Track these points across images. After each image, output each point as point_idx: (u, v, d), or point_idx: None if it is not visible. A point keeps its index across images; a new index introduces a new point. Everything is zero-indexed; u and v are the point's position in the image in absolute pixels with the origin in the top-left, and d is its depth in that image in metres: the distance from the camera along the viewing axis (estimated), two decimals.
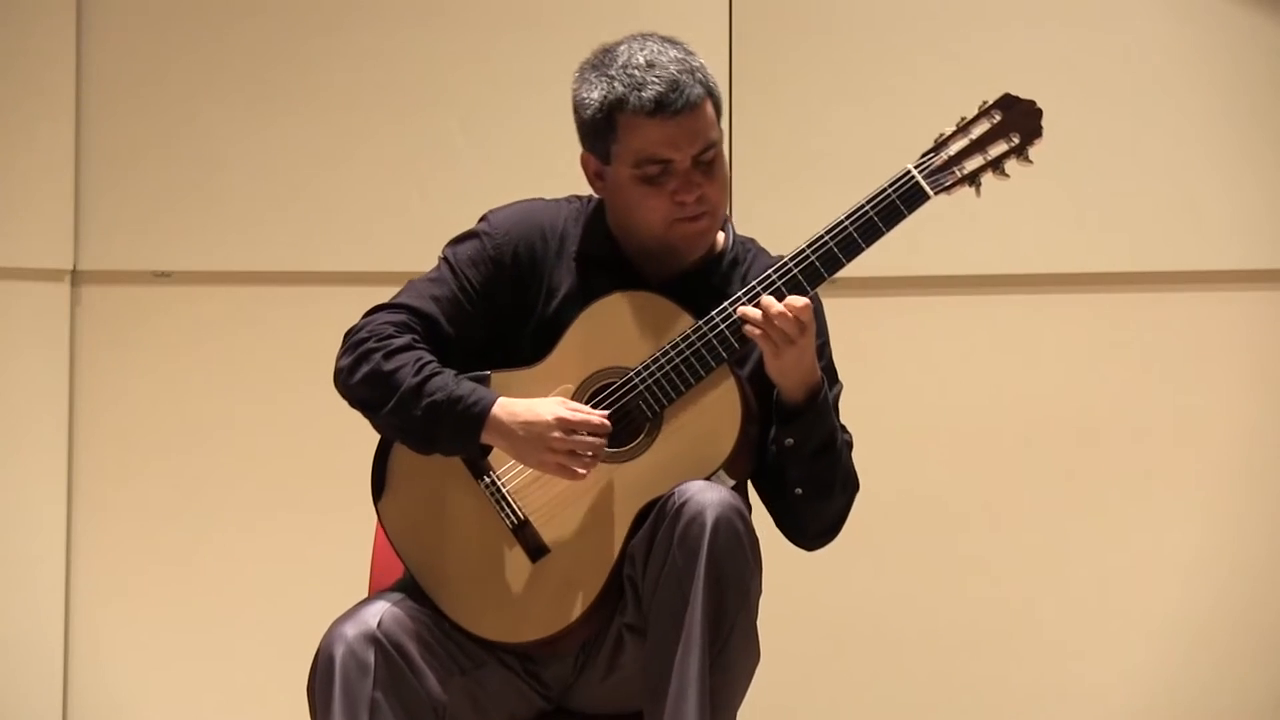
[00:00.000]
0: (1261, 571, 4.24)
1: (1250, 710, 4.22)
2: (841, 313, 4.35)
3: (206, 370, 4.51)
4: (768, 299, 2.79)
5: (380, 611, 2.83)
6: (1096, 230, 4.28)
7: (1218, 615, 4.24)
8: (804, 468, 2.85)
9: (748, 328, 2.79)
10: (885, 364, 4.31)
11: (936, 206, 4.29)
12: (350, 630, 2.80)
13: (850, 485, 2.93)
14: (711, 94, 2.88)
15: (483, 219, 2.99)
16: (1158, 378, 4.27)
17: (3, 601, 4.48)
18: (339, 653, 2.78)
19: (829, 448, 2.86)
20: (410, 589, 2.91)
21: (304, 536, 4.43)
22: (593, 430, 2.80)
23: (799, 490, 2.86)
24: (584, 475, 2.81)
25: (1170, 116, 4.26)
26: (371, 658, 2.78)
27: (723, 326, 2.81)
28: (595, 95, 2.87)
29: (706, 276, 2.94)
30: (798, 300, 2.79)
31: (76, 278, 4.55)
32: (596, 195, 2.97)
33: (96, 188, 4.54)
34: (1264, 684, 4.22)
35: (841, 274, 4.29)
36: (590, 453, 2.80)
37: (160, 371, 4.53)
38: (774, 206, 4.29)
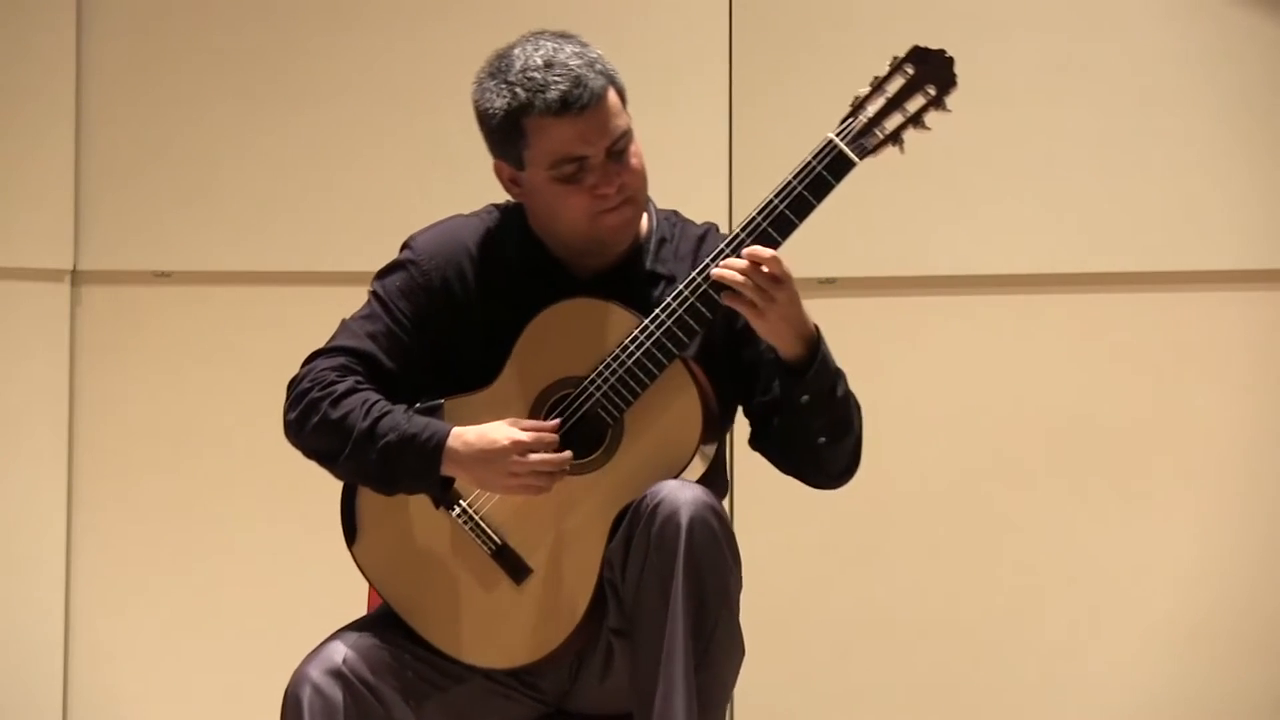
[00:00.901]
0: (1261, 571, 4.24)
1: (1250, 710, 4.22)
2: (842, 313, 4.37)
3: (206, 370, 4.51)
4: (733, 261, 2.76)
5: (344, 647, 2.83)
6: (1096, 230, 4.28)
7: (1217, 615, 4.24)
8: (824, 416, 2.83)
9: (725, 294, 2.76)
10: (885, 364, 4.31)
11: (938, 207, 4.31)
12: (314, 671, 2.80)
13: (859, 412, 2.90)
14: (614, 82, 2.85)
15: (405, 246, 2.96)
16: (1158, 378, 4.27)
17: (3, 601, 4.48)
18: (305, 695, 2.78)
19: (837, 387, 2.84)
20: (382, 617, 2.90)
21: (304, 537, 4.42)
22: (548, 447, 2.78)
23: (822, 439, 2.84)
24: (549, 490, 2.79)
25: (1170, 116, 4.26)
26: (339, 695, 2.78)
27: (669, 324, 2.78)
28: (499, 104, 2.84)
29: (639, 263, 2.92)
30: (764, 252, 2.76)
31: (76, 278, 4.55)
32: (514, 200, 2.95)
33: (96, 188, 4.55)
34: (1263, 683, 4.22)
35: (841, 273, 4.33)
36: (550, 469, 2.78)
37: (160, 371, 4.53)
38: None
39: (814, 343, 2.81)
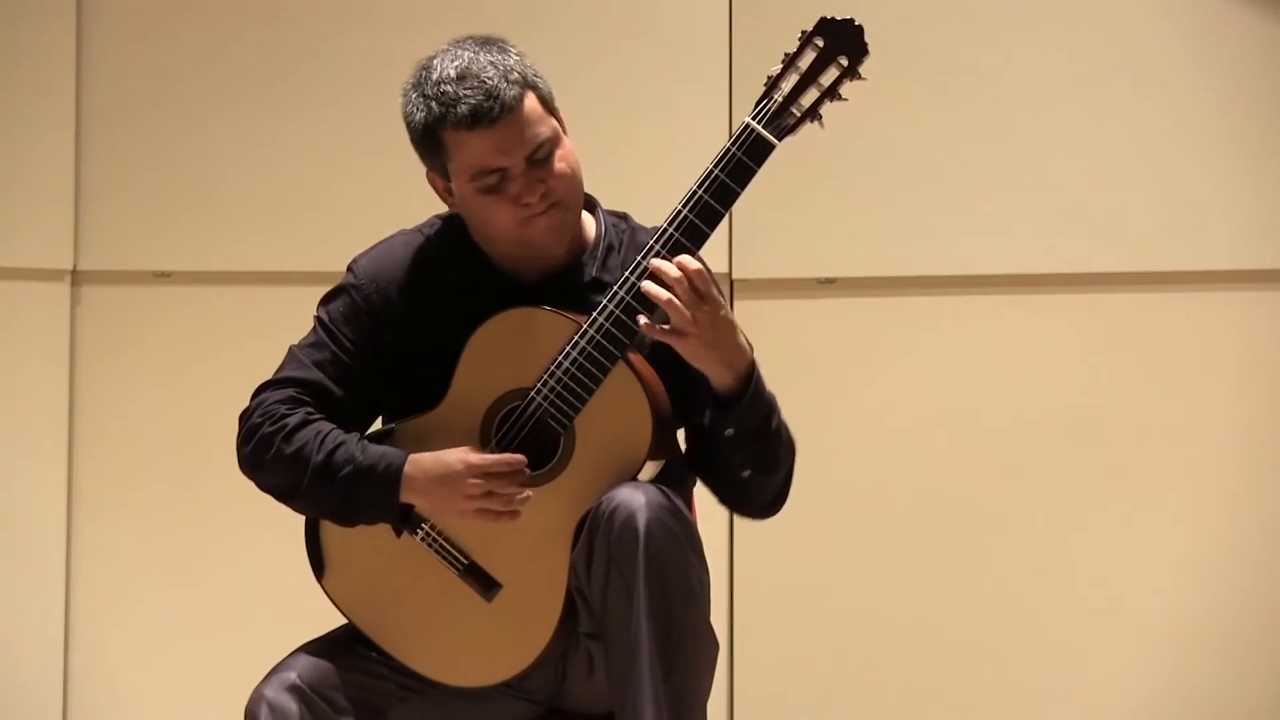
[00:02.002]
0: (1261, 571, 4.24)
1: (1250, 710, 4.23)
2: (842, 313, 4.37)
3: (206, 370, 4.51)
4: (664, 267, 2.71)
5: (299, 664, 2.84)
6: (1096, 230, 4.28)
7: (1217, 615, 4.24)
8: (747, 451, 2.79)
9: (642, 322, 2.71)
10: (885, 364, 4.31)
11: (938, 207, 4.31)
12: (270, 690, 2.81)
13: (791, 451, 2.84)
14: (535, 88, 2.82)
15: (349, 269, 2.95)
16: (1158, 378, 4.27)
17: (3, 601, 4.48)
18: (262, 712, 2.79)
19: (768, 426, 2.79)
20: (345, 633, 2.91)
21: (304, 537, 4.42)
22: (506, 467, 2.76)
23: (746, 473, 2.80)
24: (511, 518, 2.77)
25: (1170, 116, 4.26)
26: (295, 708, 2.79)
27: (607, 325, 2.75)
28: (419, 117, 2.83)
29: (583, 269, 2.90)
30: (690, 264, 2.70)
31: (76, 278, 4.55)
32: (452, 210, 2.94)
33: (96, 188, 4.55)
34: (1263, 683, 4.22)
35: (841, 273, 4.34)
36: (509, 493, 2.75)
37: (160, 371, 4.53)
38: (775, 206, 4.29)
39: (746, 377, 2.76)
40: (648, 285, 2.71)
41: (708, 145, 4.35)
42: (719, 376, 2.75)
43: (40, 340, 4.51)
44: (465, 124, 2.78)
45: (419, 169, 4.48)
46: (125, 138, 4.54)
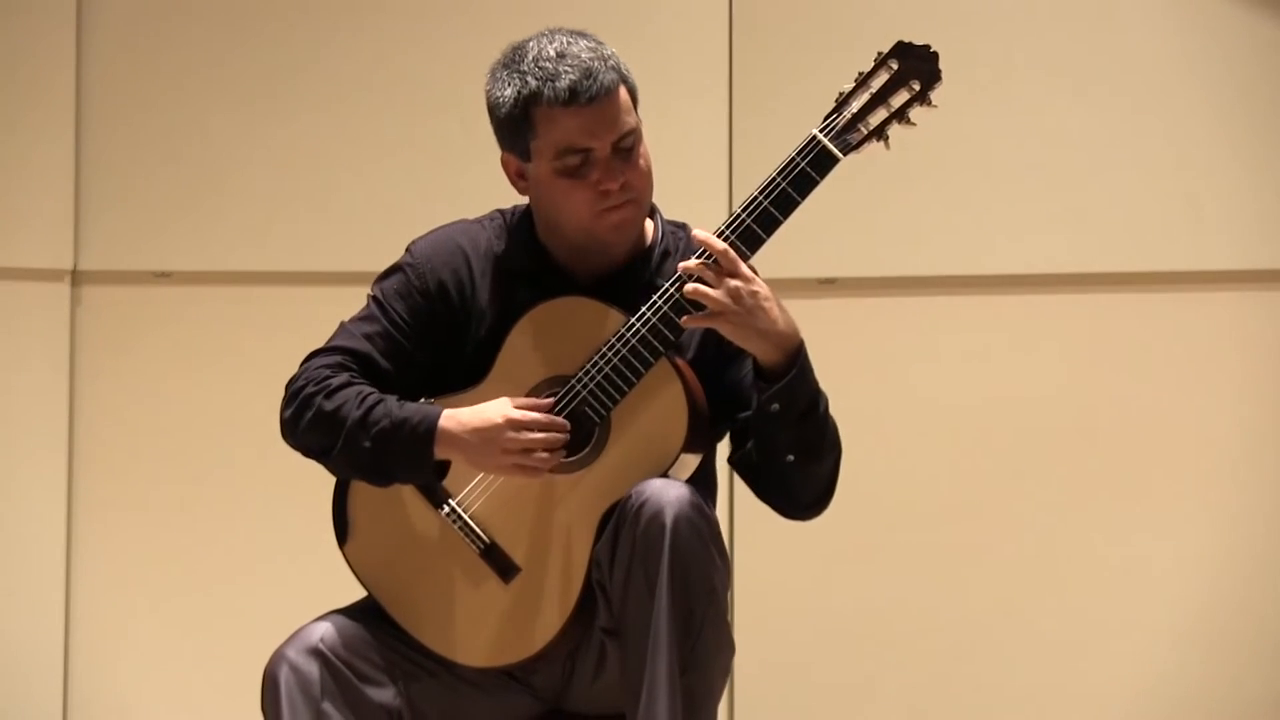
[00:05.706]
0: (1261, 571, 4.24)
1: (1250, 710, 4.23)
2: (842, 313, 4.38)
3: (206, 370, 4.51)
4: (696, 285, 2.75)
5: (323, 628, 2.86)
6: (1096, 230, 4.28)
7: (1217, 615, 4.25)
8: (792, 432, 2.79)
9: (686, 317, 2.75)
10: (885, 364, 4.31)
11: (939, 207, 4.32)
12: (291, 651, 2.83)
13: (837, 444, 2.85)
14: (625, 81, 2.86)
15: (407, 250, 2.97)
16: (1158, 378, 4.27)
17: (3, 601, 4.48)
18: (282, 673, 2.81)
19: (815, 408, 2.80)
20: (368, 605, 2.92)
21: (304, 536, 4.42)
22: (544, 426, 2.79)
23: (790, 457, 2.79)
24: (544, 472, 2.79)
25: (1170, 116, 4.26)
26: (316, 671, 2.81)
27: (654, 320, 2.78)
28: (509, 93, 2.84)
29: (638, 272, 2.91)
30: (727, 256, 2.75)
31: (76, 278, 4.55)
32: (520, 202, 2.95)
33: (96, 188, 4.55)
34: (1263, 684, 4.23)
35: (841, 273, 4.34)
36: (546, 449, 2.78)
37: (160, 372, 4.53)
38: None
39: (793, 353, 2.78)
40: (697, 288, 2.73)
41: (708, 145, 4.39)
42: (764, 353, 2.77)
43: (40, 340, 4.51)
44: (561, 99, 2.80)
45: (418, 169, 4.50)
46: (125, 138, 4.55)
